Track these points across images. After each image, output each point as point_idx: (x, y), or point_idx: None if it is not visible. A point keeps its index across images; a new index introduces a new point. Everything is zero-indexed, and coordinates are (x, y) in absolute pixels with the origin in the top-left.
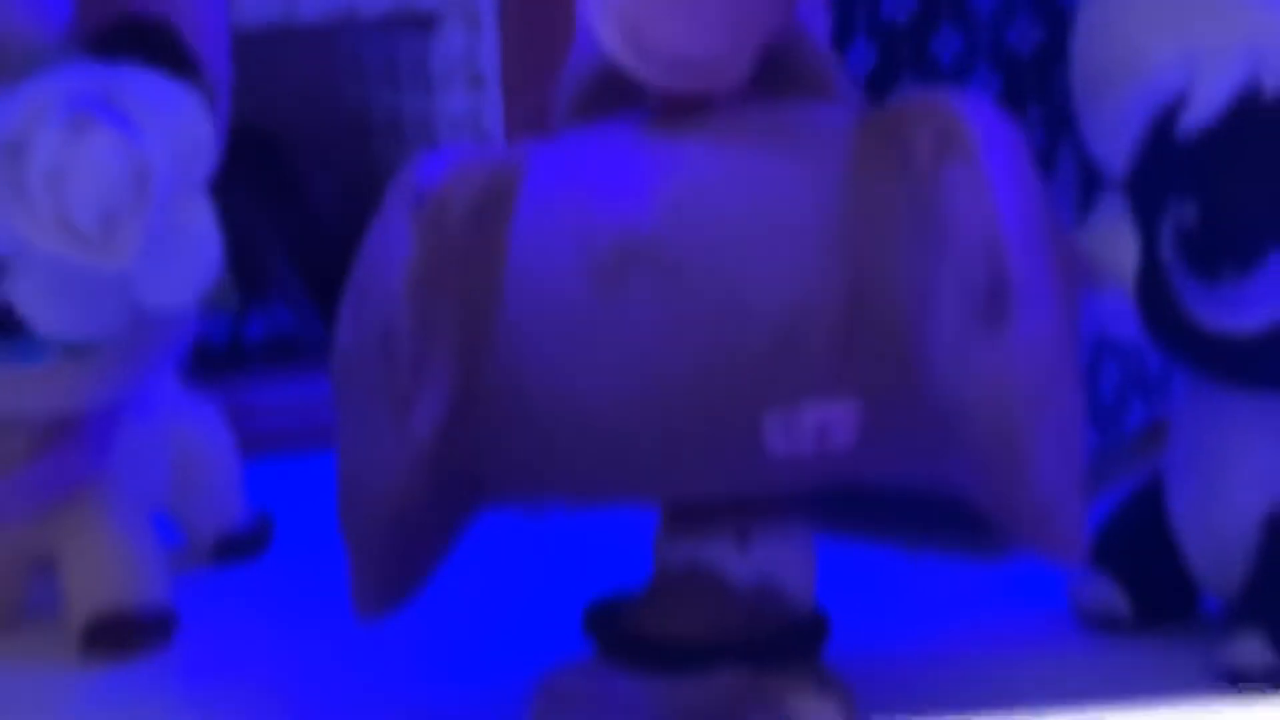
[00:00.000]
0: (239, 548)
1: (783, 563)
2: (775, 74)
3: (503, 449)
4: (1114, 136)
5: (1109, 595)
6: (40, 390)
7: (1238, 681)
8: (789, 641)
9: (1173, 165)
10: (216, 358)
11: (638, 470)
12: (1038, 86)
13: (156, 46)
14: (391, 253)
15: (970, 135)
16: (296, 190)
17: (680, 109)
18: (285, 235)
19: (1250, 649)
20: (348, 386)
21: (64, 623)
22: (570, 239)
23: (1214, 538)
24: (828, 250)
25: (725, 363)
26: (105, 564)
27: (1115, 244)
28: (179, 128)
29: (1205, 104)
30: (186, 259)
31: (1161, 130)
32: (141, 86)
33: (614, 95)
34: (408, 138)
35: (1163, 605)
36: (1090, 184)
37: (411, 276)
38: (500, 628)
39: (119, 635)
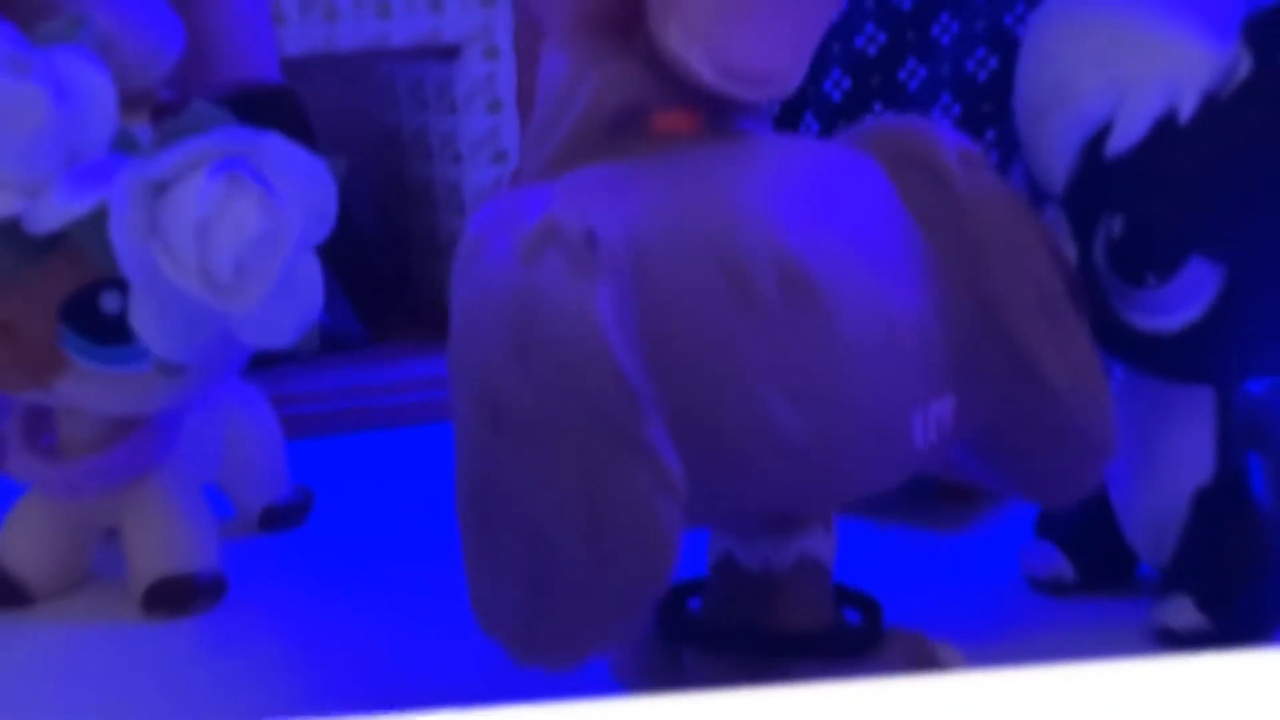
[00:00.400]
0: (282, 518)
1: (835, 539)
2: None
3: (699, 477)
4: (1052, 157)
5: (1057, 563)
6: (131, 393)
7: (1170, 640)
8: (876, 605)
9: (1102, 183)
10: (264, 350)
11: (824, 483)
12: (994, 111)
13: (283, 112)
14: (570, 301)
15: (979, 155)
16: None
17: (714, 131)
18: (324, 241)
19: (1181, 612)
20: (548, 449)
21: (127, 585)
22: (717, 268)
23: (1149, 513)
24: (924, 258)
25: (884, 372)
26: (164, 534)
27: None
28: (310, 193)
29: (1129, 129)
30: (291, 309)
31: (1092, 152)
32: (282, 152)
33: (617, 134)
34: (434, 155)
35: (1104, 572)
36: (1037, 198)
37: (614, 323)
38: None
39: (175, 597)
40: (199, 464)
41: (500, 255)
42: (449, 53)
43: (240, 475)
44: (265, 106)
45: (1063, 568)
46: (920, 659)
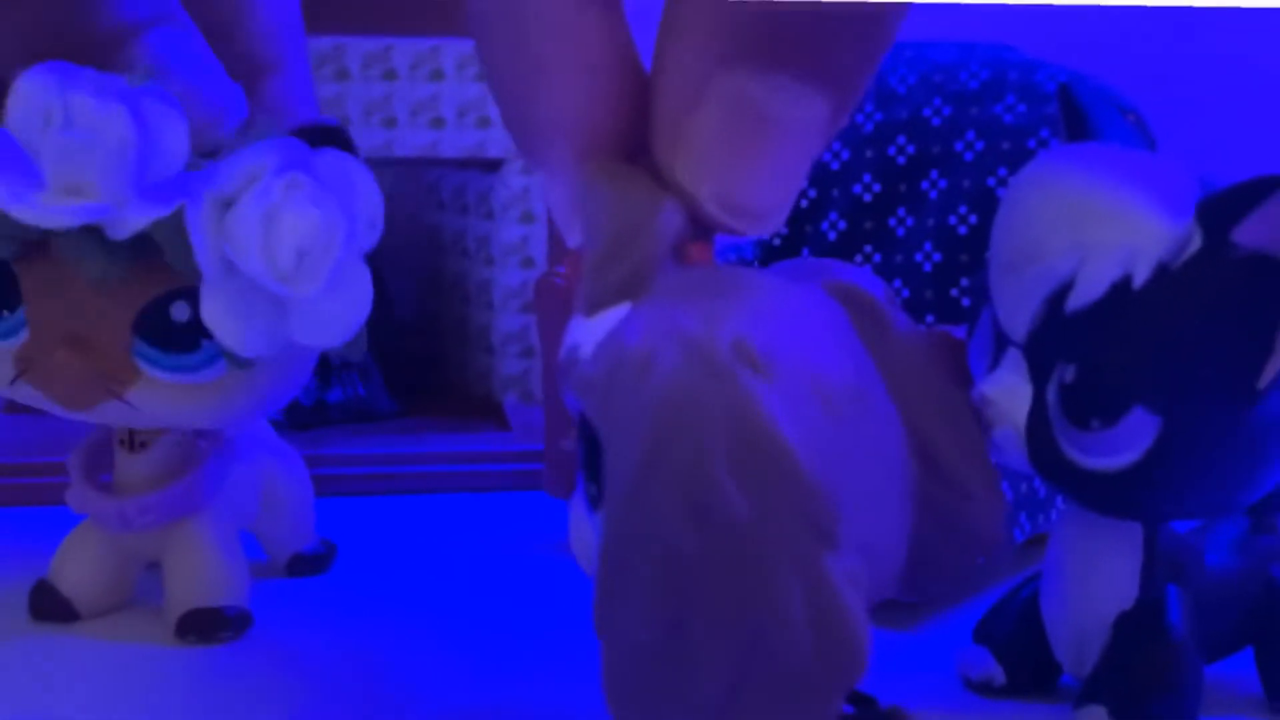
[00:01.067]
0: (307, 565)
1: None
2: None
3: None
4: (1018, 307)
5: (989, 667)
6: (200, 402)
7: None
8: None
9: (1060, 334)
10: (304, 415)
11: (892, 579)
12: (969, 262)
13: (337, 141)
14: (766, 413)
15: (895, 295)
16: (378, 290)
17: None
18: (366, 324)
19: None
20: (765, 548)
21: (163, 611)
22: (810, 382)
23: (1075, 630)
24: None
25: (908, 479)
26: (200, 569)
27: (1013, 394)
28: (361, 200)
29: (1088, 288)
30: (341, 310)
31: (1054, 306)
32: (336, 163)
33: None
34: (470, 255)
35: (1031, 679)
36: (1002, 343)
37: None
38: (518, 644)
39: (205, 626)
40: (237, 511)
41: (682, 372)
42: (491, 165)
43: (273, 524)
44: (320, 139)
45: (994, 672)
46: None
